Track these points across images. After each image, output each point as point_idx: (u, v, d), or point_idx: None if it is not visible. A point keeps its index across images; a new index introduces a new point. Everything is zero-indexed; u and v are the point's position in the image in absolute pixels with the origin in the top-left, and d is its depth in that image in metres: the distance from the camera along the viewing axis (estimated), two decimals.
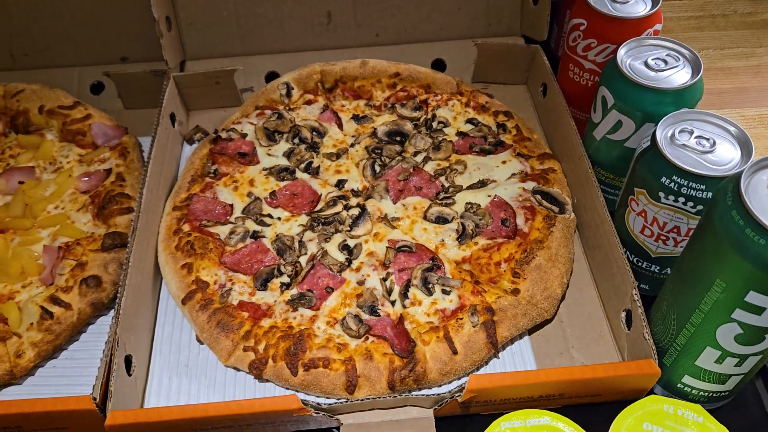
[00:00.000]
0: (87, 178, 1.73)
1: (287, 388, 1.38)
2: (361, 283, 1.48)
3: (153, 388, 1.42)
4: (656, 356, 1.21)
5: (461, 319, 1.37)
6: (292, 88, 1.88)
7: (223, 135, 1.78)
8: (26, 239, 1.62)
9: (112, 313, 1.50)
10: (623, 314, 1.35)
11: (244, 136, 1.80)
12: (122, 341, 1.32)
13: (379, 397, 1.27)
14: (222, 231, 1.60)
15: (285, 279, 1.50)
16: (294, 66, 1.94)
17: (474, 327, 1.36)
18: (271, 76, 1.99)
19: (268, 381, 1.40)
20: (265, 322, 1.43)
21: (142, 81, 1.92)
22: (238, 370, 1.42)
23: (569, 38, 1.65)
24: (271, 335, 1.39)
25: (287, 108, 1.87)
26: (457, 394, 1.22)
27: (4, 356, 1.41)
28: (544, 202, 1.56)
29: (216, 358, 1.44)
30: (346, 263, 1.52)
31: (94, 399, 1.23)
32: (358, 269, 1.51)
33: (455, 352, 1.34)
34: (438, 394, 1.26)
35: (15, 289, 1.53)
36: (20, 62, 2.02)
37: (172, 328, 1.52)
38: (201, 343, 1.47)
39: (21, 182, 1.71)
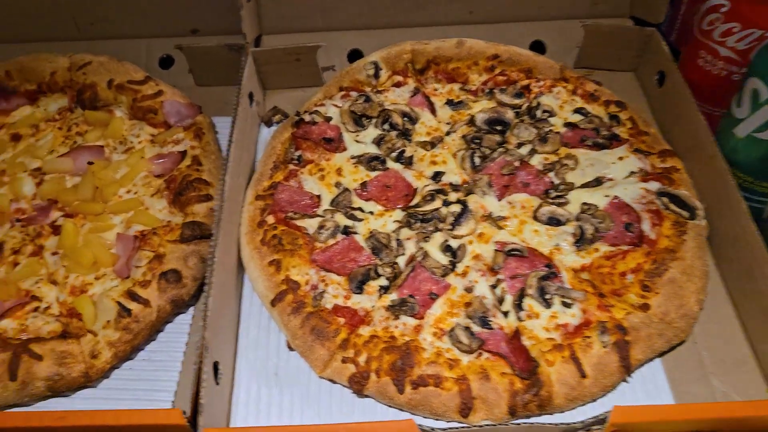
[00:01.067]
0: (160, 161, 1.59)
1: (390, 407, 1.24)
2: (468, 290, 1.33)
3: (240, 398, 1.29)
4: None
5: (588, 337, 1.22)
6: (380, 69, 1.71)
7: (307, 118, 1.63)
8: (97, 225, 1.49)
9: (191, 311, 1.38)
10: None
11: (328, 119, 1.64)
12: (210, 346, 1.18)
13: (499, 424, 1.13)
14: (310, 224, 1.46)
15: (383, 281, 1.36)
16: (379, 44, 1.77)
17: (604, 347, 1.20)
18: (354, 55, 1.83)
19: (367, 397, 1.26)
20: (364, 330, 1.29)
21: (217, 56, 1.77)
22: (334, 382, 1.28)
23: (703, 22, 1.47)
24: (373, 346, 1.25)
25: (374, 90, 1.71)
26: (595, 427, 1.07)
27: (78, 356, 1.28)
28: (672, 206, 1.39)
29: (308, 367, 1.30)
30: (450, 266, 1.37)
31: (184, 413, 1.09)
32: (464, 274, 1.36)
33: (584, 376, 1.19)
34: (567, 424, 1.10)
35: (87, 280, 1.40)
36: (85, 32, 1.88)
37: (257, 331, 1.38)
38: (291, 349, 1.34)
39: (90, 163, 1.57)
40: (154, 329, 1.36)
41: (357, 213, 1.48)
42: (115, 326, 1.31)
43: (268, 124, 1.75)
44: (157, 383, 1.32)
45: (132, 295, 1.34)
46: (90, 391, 1.32)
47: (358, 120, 1.64)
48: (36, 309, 1.36)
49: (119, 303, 1.33)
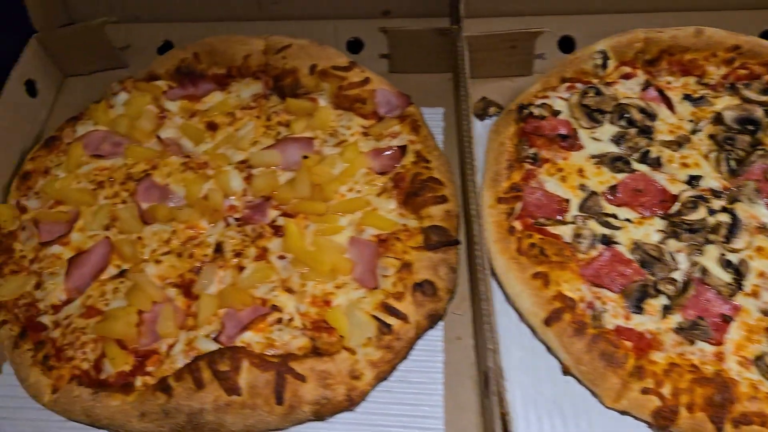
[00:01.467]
0: (379, 156, 1.45)
1: None
2: (765, 312, 1.18)
3: (520, 427, 1.15)
4: None
5: None
6: (608, 59, 1.55)
7: (536, 111, 1.47)
8: (324, 227, 1.36)
9: (440, 324, 1.25)
10: None
11: (556, 113, 1.50)
12: (499, 376, 1.05)
13: None
14: (564, 232, 1.31)
15: (664, 300, 1.22)
16: (594, 31, 1.62)
17: None
18: (566, 43, 1.67)
19: None
20: (657, 356, 1.16)
21: (422, 40, 1.62)
22: (625, 414, 1.15)
23: None
24: (677, 376, 1.12)
25: (602, 82, 1.55)
26: None
27: (336, 376, 1.16)
28: None
29: (590, 394, 1.16)
30: (736, 285, 1.22)
31: None
32: (754, 294, 1.21)
33: None
34: None
35: (328, 290, 1.27)
36: (267, 11, 1.74)
37: (522, 352, 1.25)
38: (567, 374, 1.20)
39: (305, 157, 1.43)
40: (411, 347, 1.23)
41: (611, 220, 1.33)
42: (376, 344, 1.18)
43: (481, 117, 1.60)
44: (420, 408, 1.20)
45: (389, 309, 1.21)
46: (349, 415, 1.19)
47: (592, 115, 1.49)
48: (279, 321, 1.23)
49: (376, 318, 1.19)
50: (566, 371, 1.20)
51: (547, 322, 1.20)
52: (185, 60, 1.62)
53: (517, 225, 1.33)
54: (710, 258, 1.27)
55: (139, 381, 1.19)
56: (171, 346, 1.23)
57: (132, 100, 1.59)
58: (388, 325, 1.19)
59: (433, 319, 1.24)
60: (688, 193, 1.37)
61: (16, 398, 1.25)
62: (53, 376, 1.20)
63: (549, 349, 1.24)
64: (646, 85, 1.55)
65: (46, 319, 1.28)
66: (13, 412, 1.24)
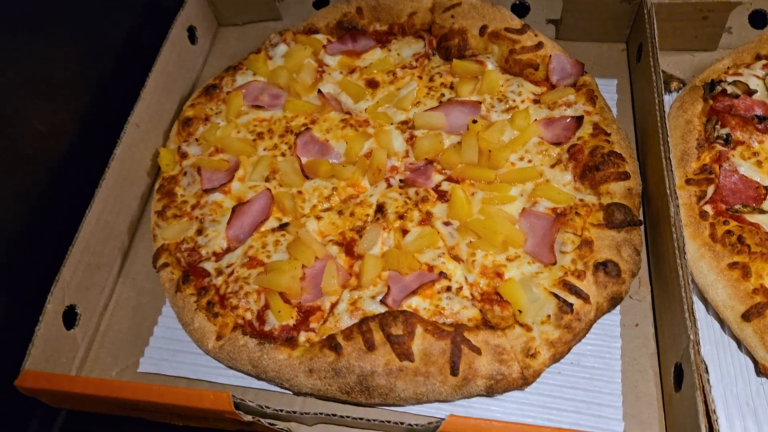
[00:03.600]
0: (552, 125, 1.35)
1: None
2: None
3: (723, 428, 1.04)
4: None
5: None
6: None
7: (729, 89, 1.34)
8: (493, 196, 1.28)
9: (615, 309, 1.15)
10: None
11: (751, 93, 1.35)
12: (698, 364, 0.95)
13: None
14: (763, 222, 1.18)
15: None
16: None
17: None
18: (757, 18, 1.51)
19: None
20: None
21: (600, 5, 1.50)
22: None
23: None
24: None
25: None
26: None
27: (510, 352, 1.08)
28: None
29: None
30: None
31: None
32: None
33: None
34: None
35: (499, 261, 1.20)
36: None
37: (709, 346, 1.15)
38: (764, 375, 1.08)
39: (474, 121, 1.35)
40: (589, 330, 1.13)
41: None
42: (555, 323, 1.09)
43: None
44: (597, 395, 1.11)
45: (569, 287, 1.12)
46: (518, 394, 1.12)
47: None
48: (448, 289, 1.16)
49: (556, 295, 1.11)
50: (762, 371, 1.08)
51: (746, 317, 1.09)
52: (348, 14, 1.57)
53: (709, 209, 1.22)
54: None
55: (303, 336, 1.15)
56: (334, 305, 1.18)
57: (291, 53, 1.55)
58: (570, 304, 1.10)
59: (614, 302, 1.15)
60: None
61: (175, 341, 1.24)
62: (218, 323, 1.18)
63: (742, 345, 1.12)
64: None
65: (208, 266, 1.26)
66: (173, 354, 1.22)
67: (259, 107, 1.48)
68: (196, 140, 1.46)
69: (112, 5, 1.52)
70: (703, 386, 0.95)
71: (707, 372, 0.97)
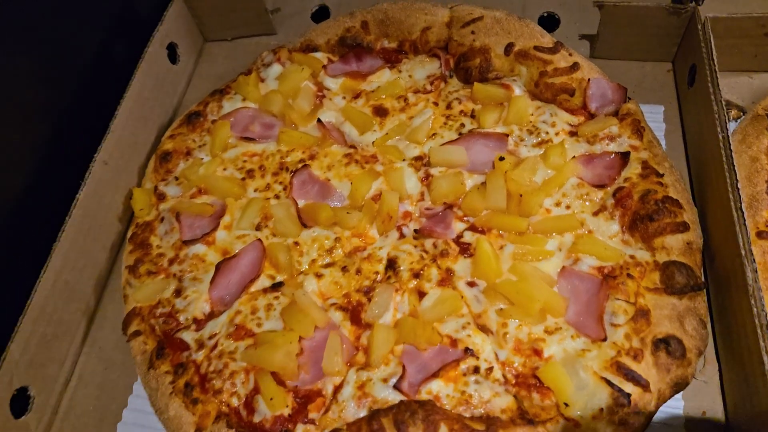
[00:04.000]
0: (593, 163, 1.15)
1: None
2: None
3: None
4: None
5: None
6: None
7: None
8: (525, 250, 1.08)
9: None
10: None
11: None
12: None
13: None
14: None
15: None
16: None
17: None
18: None
19: None
20: None
21: (644, 19, 1.30)
22: None
23: None
24: None
25: None
26: None
27: None
28: None
29: None
30: None
31: None
32: None
33: None
34: None
35: (536, 334, 0.99)
36: None
37: None
38: None
39: (502, 158, 1.14)
40: (649, 424, 0.92)
41: None
42: (608, 417, 0.89)
43: None
44: None
45: (624, 372, 0.91)
46: None
47: None
48: (476, 370, 0.96)
49: (609, 382, 0.90)
50: None
51: None
52: (351, 29, 1.37)
53: None
54: None
55: (300, 429, 0.95)
56: (338, 388, 0.99)
57: (287, 74, 1.35)
58: (627, 394, 0.90)
59: (678, 388, 0.95)
60: None
61: (148, 429, 1.03)
62: (197, 411, 0.98)
63: None
64: None
65: (187, 336, 1.07)
66: None
67: (249, 139, 1.29)
68: (176, 179, 1.26)
69: (79, 16, 1.31)
70: None
71: None
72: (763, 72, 1.34)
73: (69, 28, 1.30)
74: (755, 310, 0.91)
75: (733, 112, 1.28)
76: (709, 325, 1.04)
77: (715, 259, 1.07)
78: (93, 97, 1.28)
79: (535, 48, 1.27)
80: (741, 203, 1.00)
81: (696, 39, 1.24)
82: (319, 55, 1.39)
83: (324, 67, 1.38)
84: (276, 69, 1.37)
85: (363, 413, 0.95)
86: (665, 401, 0.95)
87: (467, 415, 0.94)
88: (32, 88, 1.22)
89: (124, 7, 1.44)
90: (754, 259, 0.96)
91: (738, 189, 1.02)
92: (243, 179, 1.24)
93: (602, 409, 0.91)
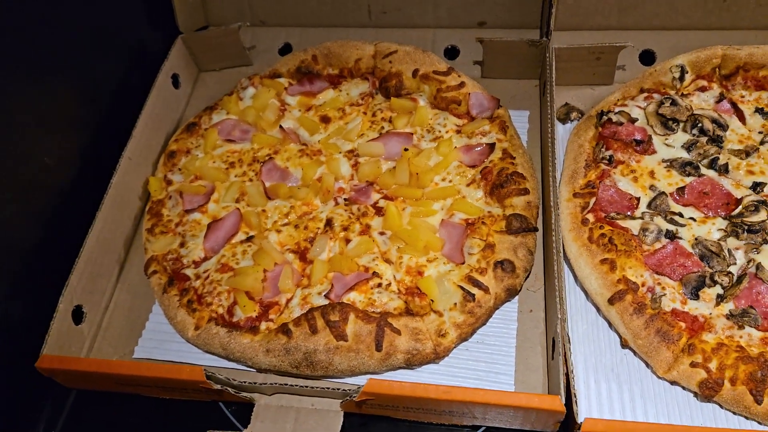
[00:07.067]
0: (470, 152, 1.66)
1: (745, 416, 1.26)
2: None
3: (581, 390, 1.34)
4: None
5: None
6: (686, 72, 1.70)
7: (614, 118, 1.64)
8: (418, 210, 1.58)
9: (516, 298, 1.44)
10: None
11: (633, 120, 1.66)
12: (565, 342, 1.24)
13: None
14: (632, 226, 1.48)
15: (719, 290, 1.37)
16: (674, 46, 1.78)
17: None
18: (646, 56, 1.83)
19: (713, 402, 1.28)
20: (708, 337, 1.31)
21: (514, 50, 1.81)
22: (675, 384, 1.32)
23: None
24: (724, 354, 1.27)
25: (678, 94, 1.70)
26: None
27: (425, 333, 1.38)
28: None
29: (644, 365, 1.34)
30: None
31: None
32: None
33: None
34: None
35: (421, 262, 1.49)
36: (376, 20, 1.98)
37: (586, 326, 1.44)
38: (624, 347, 1.38)
39: (406, 149, 1.66)
40: (490, 315, 1.43)
41: (677, 218, 1.49)
42: (461, 309, 1.39)
43: (564, 120, 1.78)
44: (495, 366, 1.40)
45: (473, 281, 1.41)
46: (433, 366, 1.41)
47: (666, 123, 1.64)
48: (379, 285, 1.46)
49: (462, 287, 1.41)
50: (624, 345, 1.38)
51: (611, 301, 1.38)
52: (305, 61, 1.88)
53: (590, 217, 1.51)
54: (766, 256, 1.41)
55: (263, 325, 1.44)
56: (289, 300, 1.48)
57: (258, 95, 1.86)
58: (472, 294, 1.40)
59: (511, 293, 1.44)
60: (751, 197, 1.51)
61: (163, 333, 1.53)
62: (196, 317, 1.47)
63: (610, 324, 1.42)
64: (720, 98, 1.69)
65: (189, 272, 1.56)
66: (161, 343, 1.52)
67: (231, 141, 1.79)
68: (179, 170, 1.76)
69: (102, 50, 1.78)
70: (565, 353, 1.24)
71: (569, 342, 1.26)
72: (601, 85, 1.85)
73: (101, 63, 1.81)
74: (554, 239, 1.41)
75: (574, 114, 1.79)
76: (541, 255, 1.55)
77: (544, 212, 1.58)
78: (120, 113, 1.79)
79: (434, 72, 1.78)
80: (556, 173, 1.49)
81: (546, 63, 1.76)
82: (282, 80, 1.90)
83: (285, 88, 1.88)
84: (251, 91, 1.88)
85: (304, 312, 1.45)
86: (503, 301, 1.44)
87: (371, 310, 1.44)
88: (74, 106, 1.71)
89: (140, 48, 1.95)
90: (558, 209, 1.46)
91: (555, 164, 1.50)
92: (227, 169, 1.74)
93: (456, 303, 1.41)
